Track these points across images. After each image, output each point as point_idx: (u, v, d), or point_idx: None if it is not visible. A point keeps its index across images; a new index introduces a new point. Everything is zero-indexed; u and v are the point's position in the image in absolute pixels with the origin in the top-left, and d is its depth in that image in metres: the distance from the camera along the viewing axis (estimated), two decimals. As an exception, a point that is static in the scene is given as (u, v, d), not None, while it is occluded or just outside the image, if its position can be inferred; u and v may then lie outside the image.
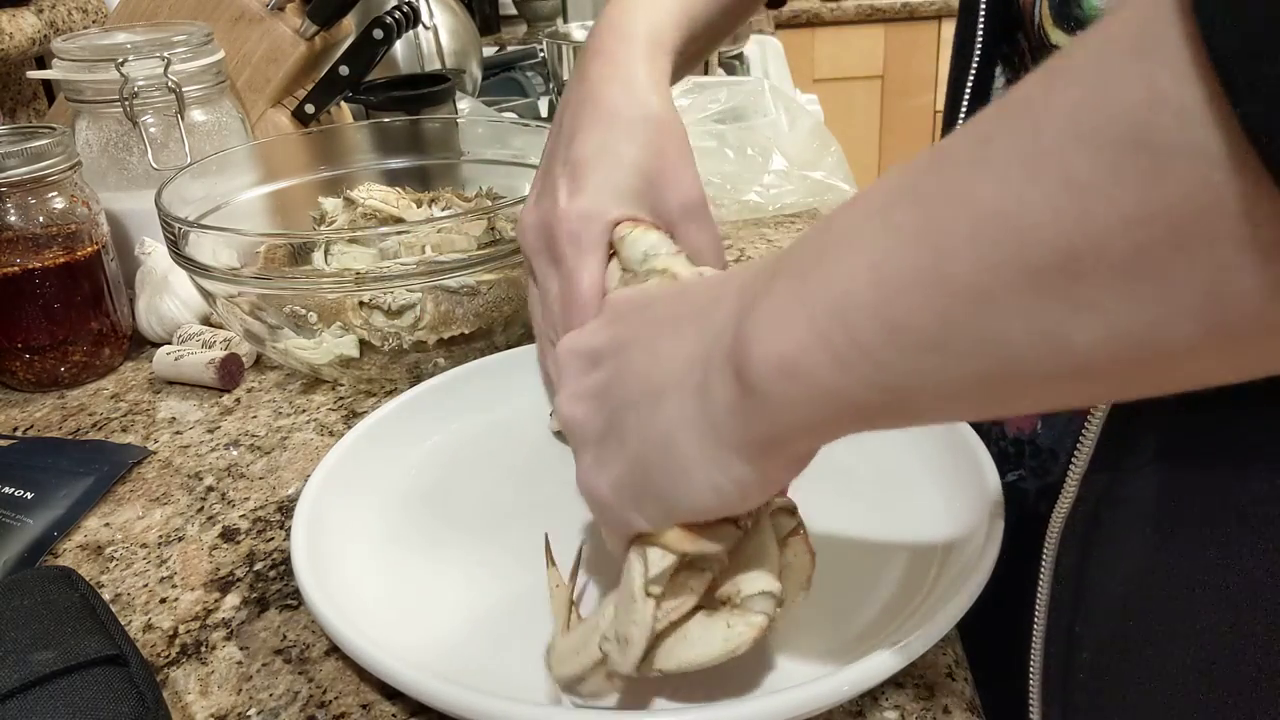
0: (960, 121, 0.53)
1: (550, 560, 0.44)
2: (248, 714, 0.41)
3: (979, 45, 0.51)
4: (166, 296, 0.74)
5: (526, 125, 0.83)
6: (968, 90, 0.52)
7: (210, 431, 0.64)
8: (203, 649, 0.45)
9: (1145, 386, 0.25)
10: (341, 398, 0.67)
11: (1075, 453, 0.40)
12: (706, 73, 1.19)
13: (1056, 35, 0.46)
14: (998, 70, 0.52)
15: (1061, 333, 0.23)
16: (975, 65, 0.51)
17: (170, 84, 0.77)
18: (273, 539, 0.53)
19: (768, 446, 0.31)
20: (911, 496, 0.50)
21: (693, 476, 0.32)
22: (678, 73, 0.54)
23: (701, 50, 0.58)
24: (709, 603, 0.36)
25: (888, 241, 0.26)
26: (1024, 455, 0.52)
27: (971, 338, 0.24)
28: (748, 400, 0.29)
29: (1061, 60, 0.23)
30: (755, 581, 0.36)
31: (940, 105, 2.52)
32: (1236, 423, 0.38)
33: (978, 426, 0.51)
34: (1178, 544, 0.40)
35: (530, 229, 0.51)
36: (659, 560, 0.35)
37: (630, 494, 0.35)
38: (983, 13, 0.50)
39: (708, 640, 0.36)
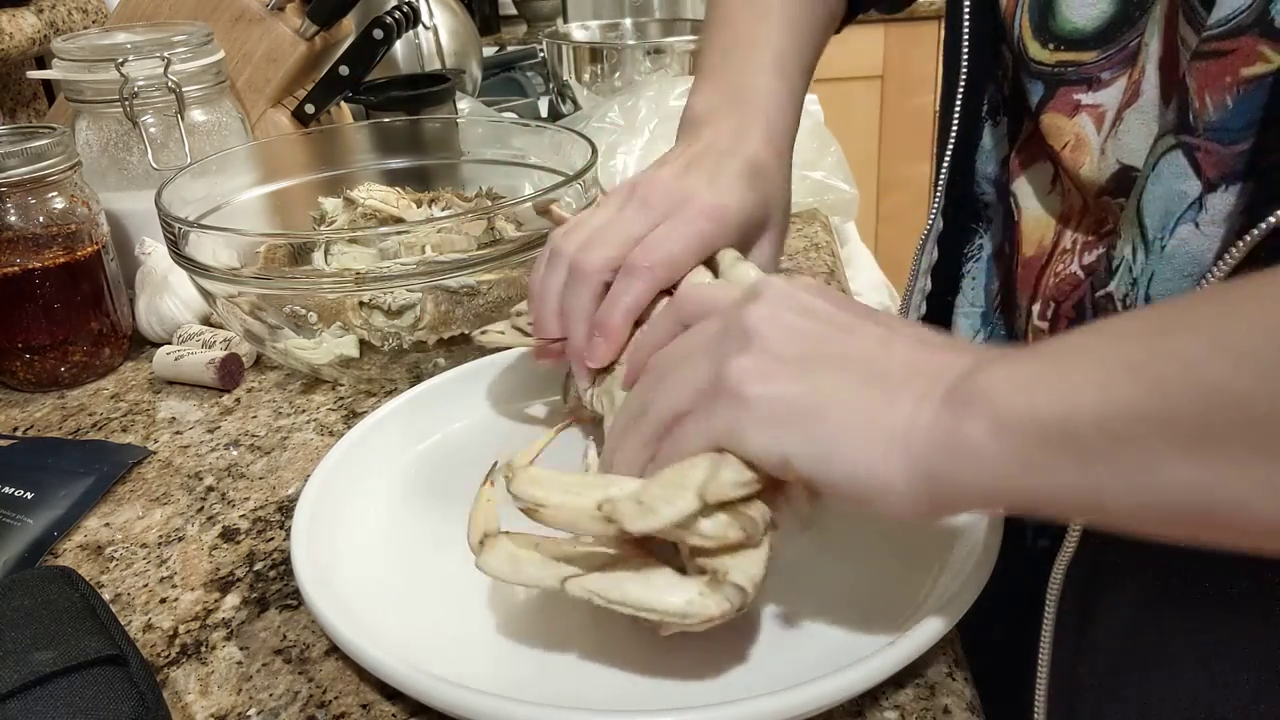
0: (953, 134, 0.53)
1: (489, 480, 0.43)
2: (248, 714, 0.41)
3: (965, 54, 0.51)
4: (166, 296, 0.74)
5: (526, 125, 0.84)
6: (959, 99, 0.52)
7: (210, 431, 0.64)
8: (203, 649, 0.45)
9: None
10: (341, 398, 0.67)
11: None
12: (706, 73, 1.19)
13: (1034, 48, 0.46)
14: (988, 84, 0.52)
15: (1240, 486, 0.28)
16: (964, 74, 0.51)
17: (170, 84, 0.77)
18: (273, 539, 0.53)
19: (935, 485, 0.33)
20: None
21: (865, 451, 0.34)
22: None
23: None
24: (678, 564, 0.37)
25: (1116, 372, 0.29)
26: None
27: (1165, 473, 0.29)
28: (950, 436, 0.32)
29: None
30: (745, 571, 0.35)
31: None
32: None
33: None
34: (1175, 588, 0.39)
35: (650, 183, 0.51)
36: (736, 474, 0.35)
37: (788, 414, 0.35)
38: (966, 25, 0.50)
39: (669, 593, 0.35)
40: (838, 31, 0.65)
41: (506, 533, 0.40)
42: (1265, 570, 0.38)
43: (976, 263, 0.56)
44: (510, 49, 1.56)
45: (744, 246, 0.51)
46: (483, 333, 0.57)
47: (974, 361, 0.34)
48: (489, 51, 1.47)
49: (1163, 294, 0.40)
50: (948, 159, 0.53)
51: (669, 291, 0.49)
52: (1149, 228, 0.40)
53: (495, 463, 0.43)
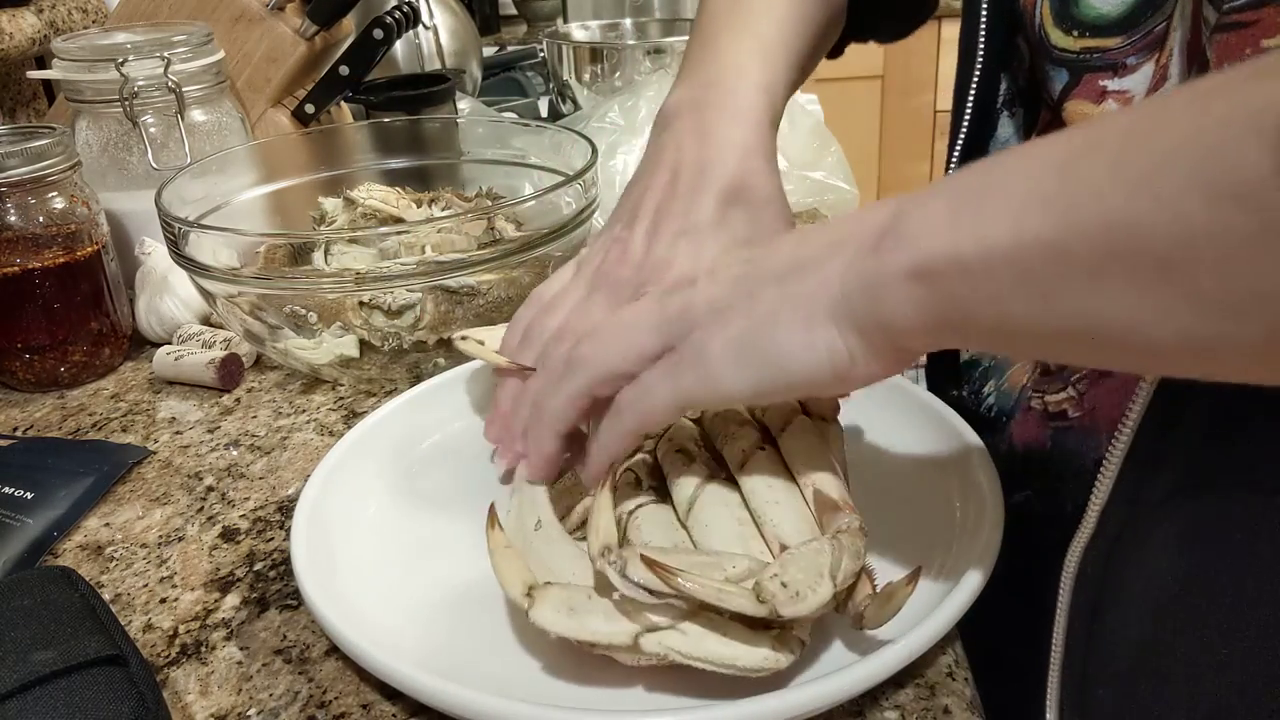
0: (965, 125, 0.53)
1: (494, 524, 0.43)
2: (248, 714, 0.41)
3: (981, 48, 0.51)
4: (166, 296, 0.74)
5: (526, 125, 0.84)
6: (972, 91, 0.52)
7: (210, 431, 0.64)
8: (203, 649, 0.45)
9: (1195, 370, 0.31)
10: (341, 398, 0.67)
11: (1095, 486, 0.39)
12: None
13: (1056, 36, 0.46)
14: (1003, 76, 0.52)
15: (1138, 316, 0.28)
16: (979, 68, 0.51)
17: (170, 84, 0.77)
18: (273, 539, 0.53)
19: (885, 331, 0.35)
20: (912, 498, 0.50)
21: (814, 336, 0.36)
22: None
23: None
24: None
25: (1031, 208, 0.30)
26: (1032, 474, 0.51)
27: (1071, 302, 0.30)
28: (881, 286, 0.34)
29: (1177, 90, 0.28)
30: (805, 627, 0.38)
31: (940, 105, 2.51)
32: (1262, 455, 0.37)
33: (985, 437, 0.50)
34: (1198, 580, 0.39)
35: (620, 254, 0.51)
36: (852, 563, 0.37)
37: (740, 350, 0.37)
38: (984, 15, 0.50)
39: (746, 649, 0.36)
40: (835, 55, 0.65)
41: (549, 583, 0.39)
42: None
43: None
44: (510, 49, 1.56)
45: None
46: (463, 338, 0.57)
47: (892, 213, 0.35)
48: (489, 51, 1.47)
49: None
50: (959, 150, 0.53)
51: None
52: None
53: (493, 505, 0.43)
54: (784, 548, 0.38)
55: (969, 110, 0.52)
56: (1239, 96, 0.26)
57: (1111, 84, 0.44)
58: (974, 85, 0.51)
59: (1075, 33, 0.45)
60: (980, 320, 0.32)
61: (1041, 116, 0.51)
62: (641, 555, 0.36)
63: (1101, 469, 0.39)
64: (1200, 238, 0.26)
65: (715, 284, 0.39)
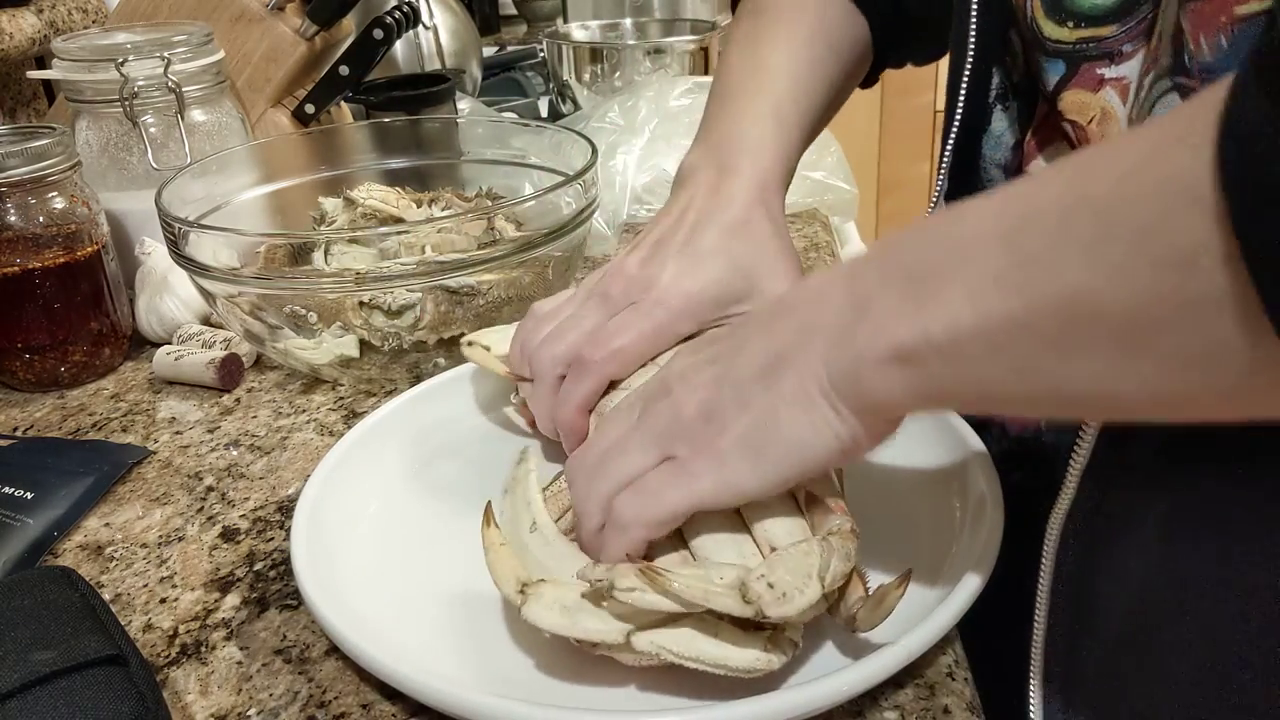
0: (957, 120, 0.53)
1: (489, 522, 0.43)
2: (248, 714, 0.41)
3: (972, 42, 0.51)
4: (166, 296, 0.74)
5: (526, 125, 0.83)
6: (963, 87, 0.52)
7: (210, 431, 0.64)
8: (203, 649, 0.45)
9: (1173, 417, 0.32)
10: (341, 398, 0.67)
11: (1074, 451, 0.40)
12: (707, 72, 1.19)
13: (1049, 28, 0.46)
14: (994, 70, 0.52)
15: (1108, 378, 0.30)
16: (970, 62, 0.51)
17: (170, 84, 0.77)
18: (273, 539, 0.53)
19: (877, 410, 0.37)
20: (911, 499, 0.50)
21: (817, 423, 0.37)
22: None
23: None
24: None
25: (987, 287, 0.31)
26: (1026, 455, 0.52)
27: (1044, 371, 0.31)
28: (864, 374, 0.35)
29: (1113, 146, 0.29)
30: (798, 629, 0.38)
31: (940, 105, 2.51)
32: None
33: (979, 426, 0.51)
34: (1181, 543, 0.39)
35: (615, 273, 0.52)
36: (842, 564, 0.37)
37: (752, 448, 0.38)
38: (974, 10, 0.50)
39: (737, 650, 0.36)
40: (869, 84, 0.66)
41: (542, 580, 0.39)
42: (1271, 561, 0.38)
43: None
44: (510, 49, 1.56)
45: (734, 313, 0.52)
46: (469, 344, 0.58)
47: (851, 297, 0.36)
48: (489, 51, 1.47)
49: None
50: (950, 145, 0.53)
51: None
52: None
53: (489, 503, 0.44)
54: (774, 550, 0.39)
55: (960, 105, 0.52)
56: (1173, 162, 0.26)
57: (1109, 72, 0.45)
58: (965, 80, 0.51)
59: (1070, 24, 0.45)
60: (963, 392, 0.35)
61: (1039, 109, 0.51)
62: (631, 564, 0.36)
63: (1079, 436, 0.40)
64: (1153, 304, 0.27)
65: (694, 389, 0.40)
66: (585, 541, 0.43)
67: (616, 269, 0.52)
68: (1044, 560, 0.42)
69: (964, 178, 0.54)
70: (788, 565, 0.36)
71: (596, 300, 0.52)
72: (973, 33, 0.51)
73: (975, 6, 0.50)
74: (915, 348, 0.34)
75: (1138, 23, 0.43)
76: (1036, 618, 0.42)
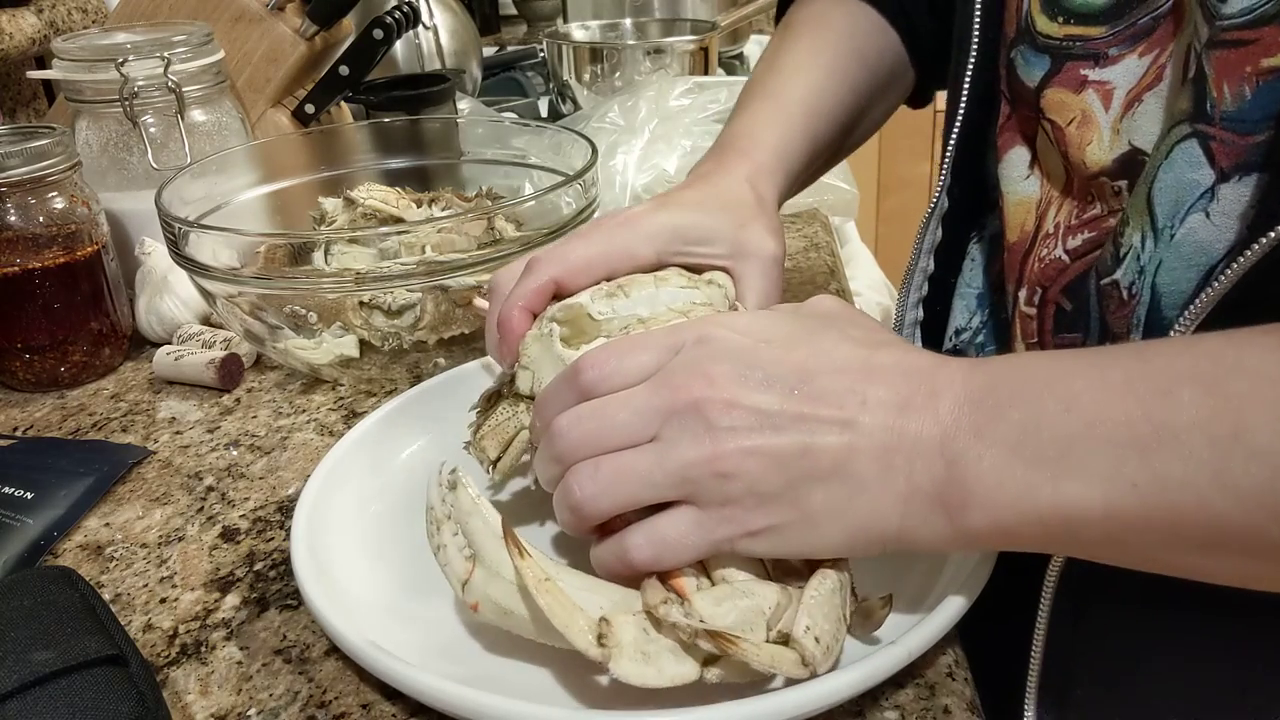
0: (959, 119, 0.53)
1: (523, 552, 0.38)
2: (248, 714, 0.41)
3: (975, 38, 0.51)
4: (166, 296, 0.74)
5: (526, 125, 0.83)
6: (965, 83, 0.52)
7: (210, 431, 0.64)
8: (203, 649, 0.45)
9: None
10: (341, 398, 0.67)
11: None
12: (706, 72, 1.19)
13: (1041, 21, 0.46)
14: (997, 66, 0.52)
15: (1231, 574, 0.33)
16: (973, 58, 0.51)
17: (170, 84, 0.77)
18: (273, 539, 0.53)
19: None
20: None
21: (865, 548, 0.37)
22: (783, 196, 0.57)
23: (815, 174, 0.63)
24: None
25: (1120, 490, 0.32)
26: None
27: (1157, 557, 0.34)
28: (954, 539, 0.36)
29: (1256, 358, 0.31)
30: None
31: (940, 105, 2.51)
32: None
33: None
34: (1164, 591, 0.40)
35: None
36: (837, 588, 0.37)
37: (785, 528, 0.37)
38: (978, 4, 0.50)
39: (787, 656, 0.36)
40: (919, 103, 0.67)
41: (604, 619, 0.36)
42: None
43: (978, 244, 0.56)
44: (510, 49, 1.56)
45: (691, 266, 0.49)
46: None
47: (943, 450, 0.35)
48: (489, 51, 1.47)
49: (1169, 284, 0.40)
50: (954, 137, 0.53)
51: None
52: (1159, 215, 0.40)
53: (509, 530, 0.39)
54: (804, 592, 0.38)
55: (963, 102, 0.52)
56: None
57: (1092, 74, 0.44)
58: (969, 71, 0.51)
59: (1060, 19, 0.45)
60: (1058, 551, 0.38)
61: (1002, 109, 0.51)
62: (704, 629, 0.35)
63: None
64: None
65: (746, 457, 0.36)
66: (543, 466, 0.41)
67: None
68: (1045, 588, 0.42)
69: (968, 170, 0.54)
70: (824, 611, 0.36)
71: (574, 235, 0.50)
72: (976, 28, 0.50)
73: (979, 3, 0.50)
74: (1021, 526, 0.34)
75: (1128, 27, 0.43)
76: (1037, 630, 0.42)
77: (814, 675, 0.36)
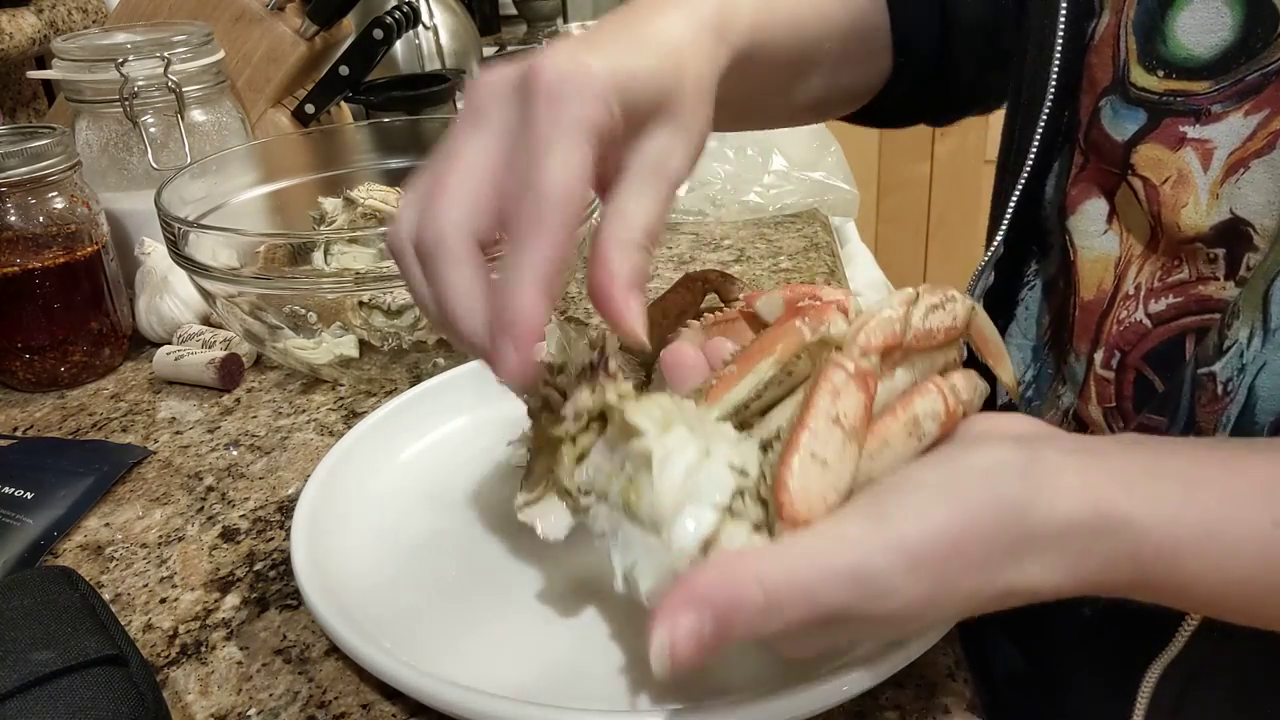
0: (1027, 168, 0.49)
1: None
2: (248, 714, 0.41)
3: (1054, 78, 0.46)
4: (166, 296, 0.74)
5: (526, 125, 0.83)
6: (1041, 125, 0.48)
7: (210, 431, 0.64)
8: (203, 649, 0.45)
9: None
10: (341, 398, 0.67)
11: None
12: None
13: (1137, 73, 0.43)
14: (1065, 110, 0.48)
15: None
16: (1050, 99, 0.47)
17: (170, 84, 0.77)
18: (273, 539, 0.53)
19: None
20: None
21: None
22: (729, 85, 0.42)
23: (760, 94, 0.50)
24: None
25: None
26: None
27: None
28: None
29: None
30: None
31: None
32: None
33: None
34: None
35: (488, 83, 0.36)
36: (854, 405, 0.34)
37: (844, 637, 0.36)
38: (1059, 45, 0.46)
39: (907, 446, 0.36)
40: (943, 123, 0.63)
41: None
42: None
43: (1031, 290, 0.53)
44: (510, 49, 1.56)
45: (634, 134, 0.37)
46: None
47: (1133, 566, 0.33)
48: (489, 51, 1.47)
49: (1269, 386, 0.37)
50: (1021, 183, 0.49)
51: (756, 320, 0.43)
52: (1274, 315, 0.37)
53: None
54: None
55: (1037, 140, 0.48)
56: None
57: (1192, 130, 0.41)
58: (1044, 116, 0.47)
59: (1160, 73, 0.42)
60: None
61: (1075, 160, 0.47)
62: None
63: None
64: None
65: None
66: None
67: (483, 75, 0.38)
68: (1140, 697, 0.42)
69: (1025, 215, 0.50)
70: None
71: (469, 115, 0.39)
72: (1056, 65, 0.46)
73: (1061, 42, 0.46)
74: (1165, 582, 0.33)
75: (1234, 83, 0.40)
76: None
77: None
